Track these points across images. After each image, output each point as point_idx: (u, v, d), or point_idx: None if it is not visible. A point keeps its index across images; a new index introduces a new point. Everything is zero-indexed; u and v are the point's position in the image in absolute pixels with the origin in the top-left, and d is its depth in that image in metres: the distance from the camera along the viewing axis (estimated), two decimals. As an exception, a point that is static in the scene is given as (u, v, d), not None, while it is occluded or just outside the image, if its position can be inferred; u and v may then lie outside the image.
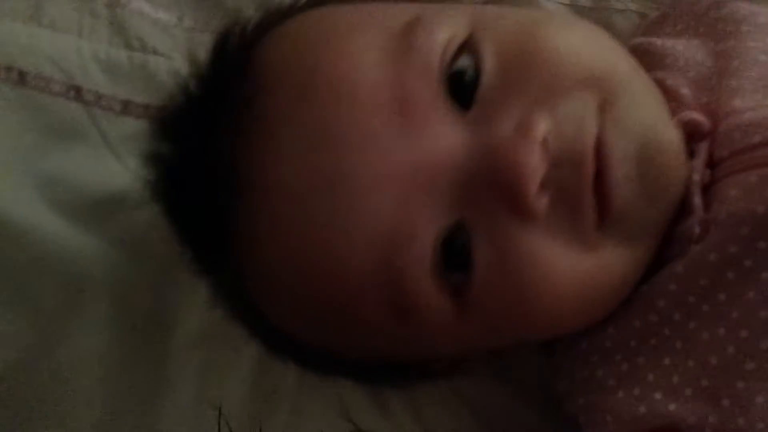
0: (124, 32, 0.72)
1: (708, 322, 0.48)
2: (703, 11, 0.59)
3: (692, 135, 0.52)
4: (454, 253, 0.47)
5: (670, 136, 0.49)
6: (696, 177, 0.50)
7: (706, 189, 0.50)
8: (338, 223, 0.47)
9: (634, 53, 0.60)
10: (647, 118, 0.49)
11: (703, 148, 0.51)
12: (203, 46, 0.65)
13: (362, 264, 0.47)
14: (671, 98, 0.55)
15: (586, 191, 0.46)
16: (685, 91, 0.54)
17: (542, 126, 0.45)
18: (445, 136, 0.46)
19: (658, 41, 0.60)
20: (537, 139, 0.44)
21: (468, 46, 0.48)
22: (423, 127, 0.46)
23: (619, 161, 0.46)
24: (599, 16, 0.69)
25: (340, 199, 0.46)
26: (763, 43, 0.53)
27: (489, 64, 0.48)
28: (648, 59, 0.59)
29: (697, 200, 0.50)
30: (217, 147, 0.52)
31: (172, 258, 0.60)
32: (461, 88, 0.47)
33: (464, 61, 0.48)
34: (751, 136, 0.49)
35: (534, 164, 0.44)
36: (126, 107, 0.70)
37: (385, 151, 0.46)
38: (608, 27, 0.67)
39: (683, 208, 0.50)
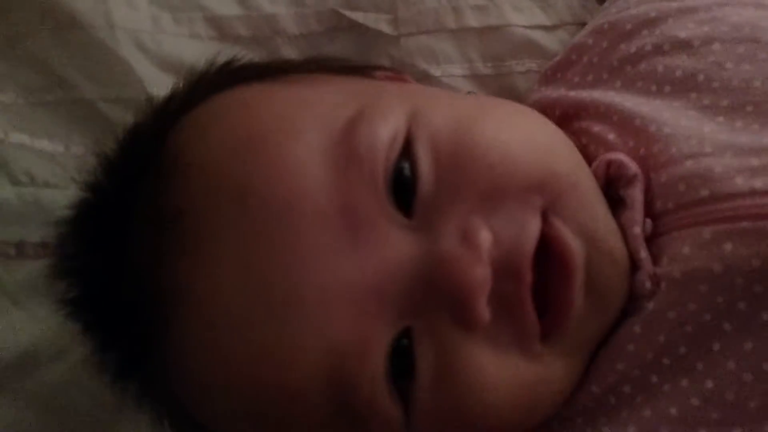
0: (7, 168, 0.66)
1: (670, 374, 0.47)
2: (617, 65, 0.58)
3: (617, 178, 0.51)
4: (400, 360, 0.46)
5: (616, 239, 0.49)
6: (637, 230, 0.49)
7: (649, 240, 0.50)
8: (285, 345, 0.45)
9: (542, 107, 0.60)
10: (595, 218, 0.49)
11: (636, 197, 0.50)
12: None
13: (311, 380, 0.45)
14: (599, 144, 0.55)
15: (527, 302, 0.46)
16: (611, 136, 0.54)
17: (485, 236, 0.45)
18: (392, 246, 0.45)
19: (571, 93, 0.60)
20: (483, 252, 0.44)
21: (406, 148, 0.47)
22: (371, 238, 0.45)
23: (579, 266, 0.46)
24: (501, 83, 0.69)
25: (287, 319, 0.45)
26: (687, 99, 0.53)
27: (425, 168, 0.47)
28: (568, 111, 0.59)
29: (644, 254, 0.49)
30: (138, 263, 0.49)
31: (98, 410, 0.56)
32: (404, 195, 0.46)
33: (404, 166, 0.47)
34: (698, 190, 0.48)
35: (482, 278, 0.44)
36: (21, 250, 0.64)
37: (334, 266, 0.44)
38: (511, 91, 0.69)
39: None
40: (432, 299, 0.45)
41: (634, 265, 0.49)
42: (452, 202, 0.46)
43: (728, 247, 0.46)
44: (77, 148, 0.68)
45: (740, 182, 0.47)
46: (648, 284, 0.48)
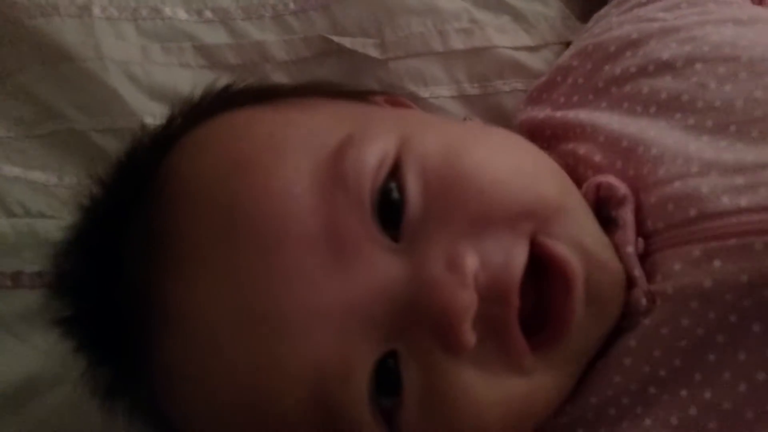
0: (1, 200, 0.66)
1: (668, 385, 0.48)
2: (602, 86, 0.59)
3: (607, 200, 0.52)
4: (385, 379, 0.46)
5: (611, 252, 0.50)
6: (630, 249, 0.50)
7: (643, 258, 0.51)
8: (270, 366, 0.45)
9: (531, 127, 0.61)
10: (587, 233, 0.50)
11: (628, 217, 0.51)
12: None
13: (296, 403, 0.46)
14: (587, 166, 0.56)
15: (513, 326, 0.46)
16: (598, 158, 0.55)
17: (471, 262, 0.45)
18: (377, 268, 0.45)
19: (558, 113, 0.61)
20: (468, 277, 0.45)
21: (394, 172, 0.47)
22: (356, 260, 0.45)
23: (579, 275, 0.47)
24: (488, 102, 0.70)
25: (272, 341, 0.45)
26: (673, 120, 0.54)
27: (413, 191, 0.47)
28: (557, 132, 0.59)
29: (638, 272, 0.50)
30: (130, 282, 0.49)
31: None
32: (392, 218, 0.47)
33: (392, 191, 0.47)
34: (687, 210, 0.49)
35: (466, 303, 0.44)
36: (17, 280, 0.65)
37: (319, 288, 0.45)
38: (498, 110, 0.69)
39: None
40: (417, 323, 0.45)
41: (629, 283, 0.50)
42: (440, 226, 0.46)
43: (717, 264, 0.47)
44: (70, 178, 0.68)
45: (727, 201, 0.48)
46: (644, 301, 0.49)
